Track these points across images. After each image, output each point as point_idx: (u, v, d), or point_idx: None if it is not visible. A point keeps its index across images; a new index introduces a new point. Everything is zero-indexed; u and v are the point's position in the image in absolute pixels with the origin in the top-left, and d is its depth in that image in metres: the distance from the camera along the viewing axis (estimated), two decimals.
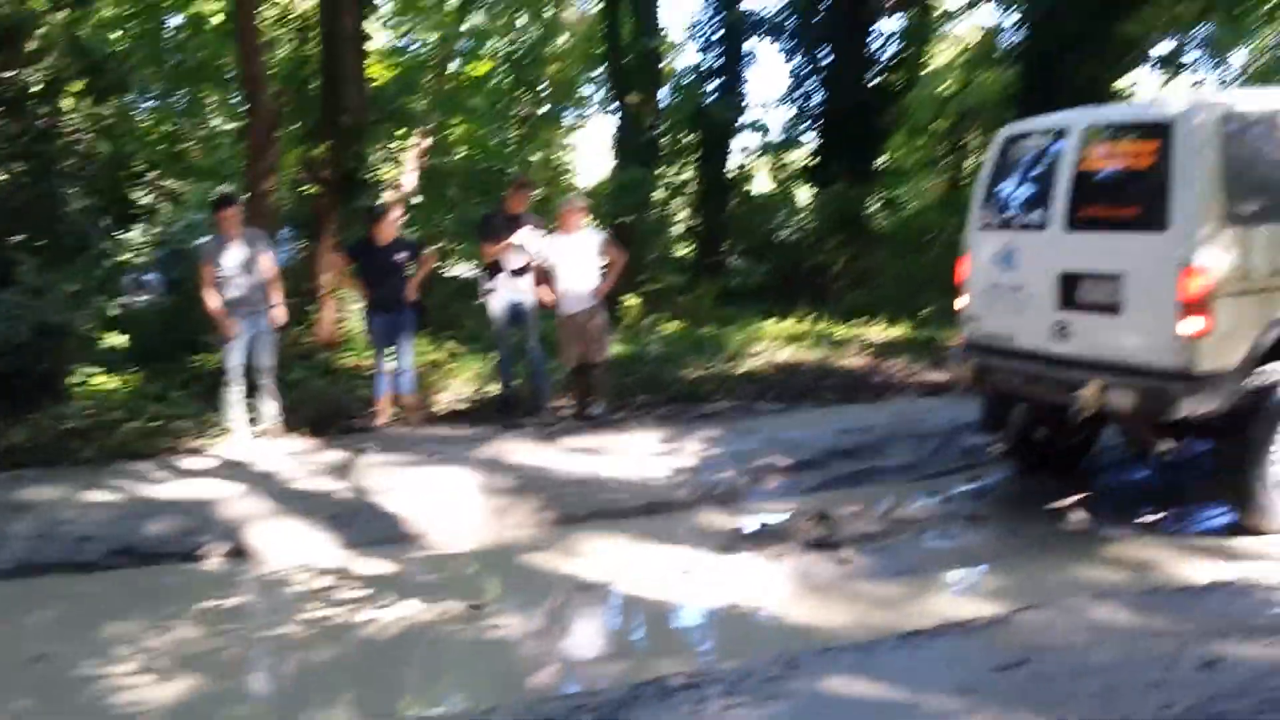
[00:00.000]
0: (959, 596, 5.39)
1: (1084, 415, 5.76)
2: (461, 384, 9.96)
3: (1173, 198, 5.41)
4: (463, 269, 16.49)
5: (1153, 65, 18.89)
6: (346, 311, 11.38)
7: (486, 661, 4.86)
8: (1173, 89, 18.74)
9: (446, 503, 6.81)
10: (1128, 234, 5.71)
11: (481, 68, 19.44)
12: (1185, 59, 19.11)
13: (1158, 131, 5.61)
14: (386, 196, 14.22)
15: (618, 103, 17.64)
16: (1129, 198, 5.80)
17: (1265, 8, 17.81)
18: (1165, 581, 5.06)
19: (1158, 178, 5.52)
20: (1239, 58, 20.96)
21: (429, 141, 17.11)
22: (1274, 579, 4.83)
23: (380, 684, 4.64)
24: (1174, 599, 4.71)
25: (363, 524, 6.52)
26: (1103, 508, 6.08)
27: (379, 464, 7.56)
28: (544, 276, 8.77)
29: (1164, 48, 18.32)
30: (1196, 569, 5.15)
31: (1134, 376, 5.57)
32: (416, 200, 16.44)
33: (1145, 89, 19.29)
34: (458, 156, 18.84)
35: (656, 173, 17.23)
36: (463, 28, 18.23)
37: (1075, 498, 6.05)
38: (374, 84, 14.69)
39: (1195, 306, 5.32)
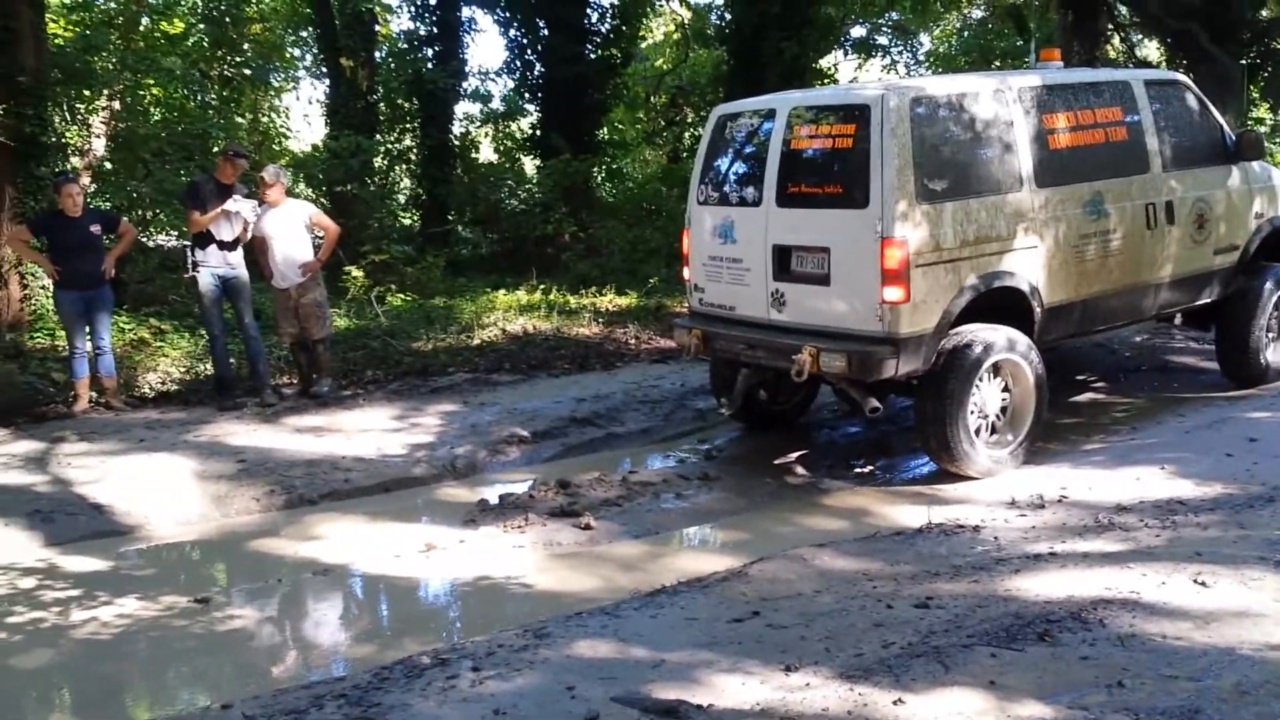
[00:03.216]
0: (696, 553, 5.63)
1: (801, 378, 6.13)
2: (170, 364, 9.28)
3: (871, 176, 5.82)
4: (165, 239, 15.35)
5: (849, 48, 20.33)
6: (33, 288, 10.30)
7: (219, 656, 4.60)
8: (868, 71, 20.25)
9: (161, 491, 6.36)
10: (833, 210, 6.10)
11: (176, 26, 18.05)
12: (879, 41, 20.71)
13: (856, 114, 6.01)
14: (74, 163, 12.96)
15: (330, 66, 16.92)
16: (832, 176, 6.21)
17: None
18: (880, 527, 5.49)
19: (858, 157, 5.93)
20: (926, 42, 22.94)
21: (118, 104, 15.72)
22: (976, 520, 5.34)
23: (102, 688, 4.31)
24: (889, 543, 5.12)
25: (67, 519, 5.98)
26: (822, 462, 6.52)
27: (81, 453, 6.93)
28: (258, 249, 8.34)
29: (859, 32, 19.76)
30: (908, 514, 5.63)
31: (843, 341, 5.99)
32: (108, 166, 15.08)
33: (845, 71, 20.74)
34: (154, 120, 17.42)
35: (376, 140, 16.68)
36: None
37: (797, 454, 6.45)
38: (55, 42, 13.31)
39: (894, 277, 5.77)
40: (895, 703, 3.40)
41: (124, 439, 7.29)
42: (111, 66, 15.30)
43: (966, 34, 22.70)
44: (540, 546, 5.55)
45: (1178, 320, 7.84)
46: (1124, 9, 16.52)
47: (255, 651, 4.61)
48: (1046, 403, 6.32)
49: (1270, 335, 7.56)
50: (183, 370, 9.17)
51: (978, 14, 22.12)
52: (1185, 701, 3.29)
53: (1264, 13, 14.92)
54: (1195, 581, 4.20)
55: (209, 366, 8.87)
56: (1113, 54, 17.31)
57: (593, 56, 17.44)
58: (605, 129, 18.88)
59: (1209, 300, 7.41)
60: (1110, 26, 17.40)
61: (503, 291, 12.65)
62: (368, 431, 7.54)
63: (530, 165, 18.58)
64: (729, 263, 6.66)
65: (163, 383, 8.89)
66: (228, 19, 18.16)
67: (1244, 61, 14.03)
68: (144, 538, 5.97)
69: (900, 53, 21.63)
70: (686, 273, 7.05)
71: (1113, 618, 3.94)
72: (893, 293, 5.79)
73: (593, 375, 9.11)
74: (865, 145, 5.88)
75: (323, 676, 4.28)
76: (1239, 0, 13.12)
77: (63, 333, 8.71)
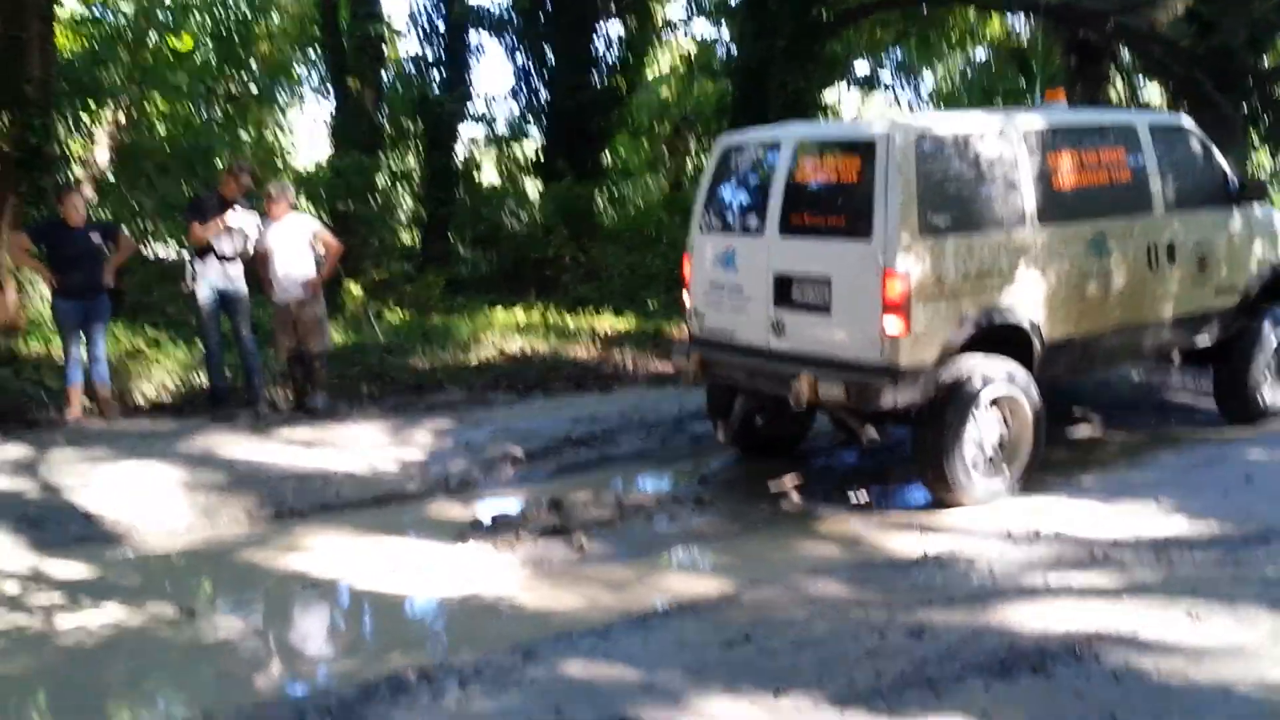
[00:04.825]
0: (688, 577, 5.59)
1: (799, 406, 6.12)
2: (165, 375, 9.25)
3: (875, 209, 5.83)
4: (165, 251, 15.39)
5: (854, 83, 20.49)
6: (29, 294, 10.29)
7: (203, 667, 4.53)
8: (871, 106, 20.40)
9: (151, 500, 6.32)
10: (835, 240, 6.11)
11: (185, 43, 18.19)
12: (883, 79, 20.89)
13: (862, 149, 6.05)
14: (78, 174, 13.01)
15: (336, 86, 17.04)
16: (836, 208, 6.23)
17: (953, 35, 19.74)
18: (875, 556, 5.45)
19: (862, 190, 5.95)
20: (930, 80, 23.13)
21: (124, 118, 15.83)
22: (971, 551, 5.31)
23: (85, 695, 4.25)
24: (883, 572, 5.09)
25: (56, 524, 5.94)
26: (817, 489, 6.48)
27: (72, 459, 6.89)
28: (258, 264, 8.36)
29: (864, 68, 19.94)
30: (902, 543, 5.58)
31: (842, 371, 5.98)
32: (111, 178, 15.16)
33: (848, 105, 20.88)
34: (159, 135, 17.52)
35: (379, 159, 16.77)
36: None
37: (792, 481, 6.41)
38: (64, 54, 13.42)
39: (895, 308, 5.77)
40: None
41: (115, 447, 7.26)
42: (118, 80, 15.43)
43: (970, 73, 22.87)
44: (531, 565, 5.50)
45: (1176, 359, 7.83)
46: (1128, 54, 16.66)
47: (239, 663, 4.55)
48: (1044, 436, 6.30)
49: (1268, 375, 7.56)
50: (177, 381, 9.14)
51: (982, 54, 22.30)
52: None
53: (1266, 62, 15.06)
54: (1190, 618, 4.17)
55: (204, 377, 8.84)
56: (1115, 98, 17.45)
57: (599, 85, 17.56)
58: (609, 155, 18.98)
59: (1208, 340, 7.41)
60: (1114, 70, 17.56)
61: (501, 311, 12.64)
62: (361, 446, 7.50)
63: (533, 188, 18.67)
64: (730, 290, 6.66)
65: (157, 393, 8.86)
66: (236, 37, 18.32)
67: (1245, 108, 14.16)
68: (132, 546, 5.92)
69: (904, 89, 21.80)
70: (687, 298, 7.05)
71: (1107, 652, 3.91)
72: (893, 324, 5.79)
73: (589, 396, 9.09)
74: (870, 179, 5.90)
75: (307, 690, 4.23)
76: (1241, 48, 13.22)
77: (58, 339, 8.69)
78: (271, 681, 4.43)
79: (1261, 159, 17.55)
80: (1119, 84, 18.86)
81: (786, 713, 3.52)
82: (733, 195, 6.90)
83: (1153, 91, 18.81)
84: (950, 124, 6.32)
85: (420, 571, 5.46)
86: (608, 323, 12.20)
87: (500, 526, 6.00)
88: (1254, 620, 4.12)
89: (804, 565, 5.27)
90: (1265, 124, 15.57)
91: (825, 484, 6.68)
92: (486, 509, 6.42)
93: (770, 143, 6.66)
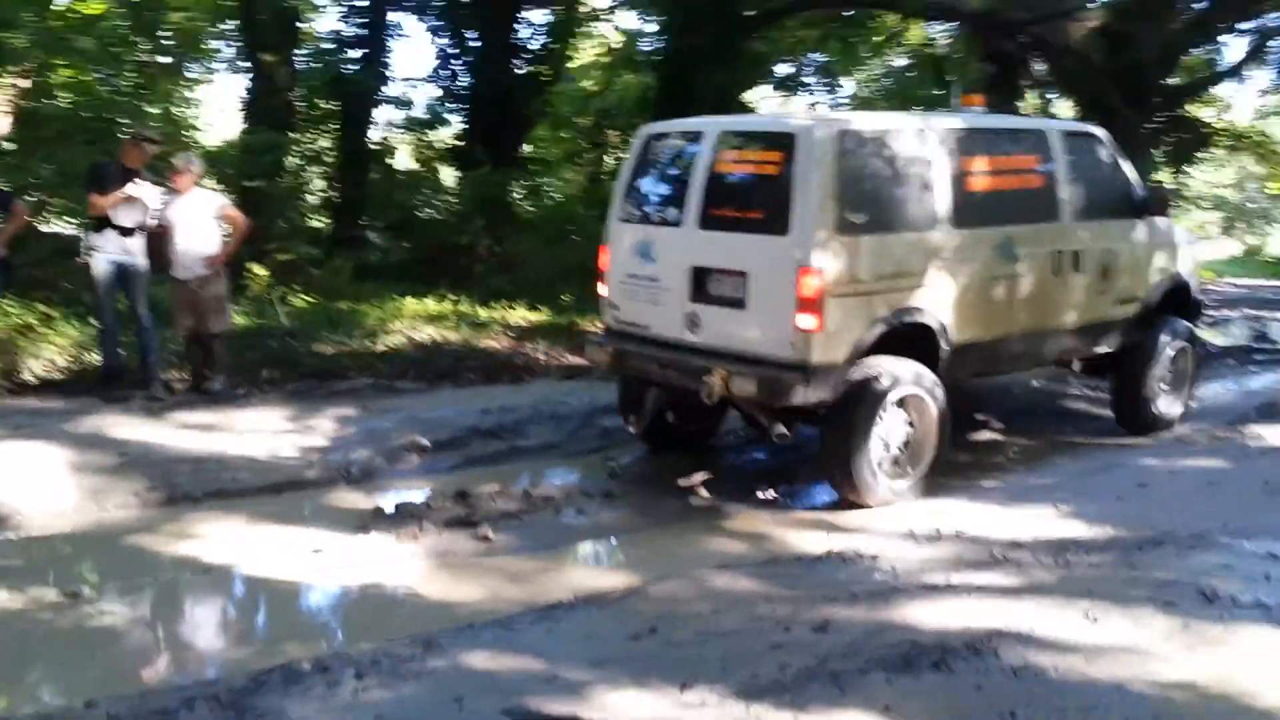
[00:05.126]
0: (595, 570, 5.54)
1: (711, 400, 6.10)
2: (55, 352, 8.84)
3: (794, 204, 5.84)
4: (62, 226, 14.76)
5: (775, 85, 20.68)
6: None
7: (87, 653, 4.33)
8: (792, 108, 20.61)
9: (36, 481, 6.02)
10: (753, 235, 6.10)
11: (94, 7, 17.47)
12: (805, 80, 21.15)
13: (783, 142, 6.04)
14: None
15: (250, 61, 16.55)
16: (755, 202, 6.24)
17: (873, 40, 20.06)
18: (781, 552, 5.46)
19: (781, 185, 5.95)
20: (850, 84, 23.45)
21: (28, 82, 15.13)
22: (874, 549, 5.33)
23: None
24: (789, 568, 5.09)
25: None
26: (726, 486, 6.48)
27: None
28: (159, 238, 8.04)
29: (786, 68, 20.14)
30: (808, 540, 5.60)
31: (755, 366, 5.98)
32: (10, 147, 14.47)
33: (768, 104, 21.05)
34: (62, 102, 16.79)
35: (291, 138, 16.34)
36: None
37: (701, 476, 6.39)
38: None
39: (810, 305, 5.78)
40: None
41: (0, 426, 6.92)
42: (23, 43, 14.75)
43: (889, 79, 23.24)
44: (434, 556, 5.39)
45: (1076, 366, 8.03)
46: (1041, 67, 17.11)
47: (125, 650, 4.37)
48: (948, 438, 6.39)
49: (1163, 386, 7.79)
50: (69, 359, 8.73)
51: (900, 61, 22.67)
52: None
53: (1173, 80, 15.60)
54: (1086, 618, 4.25)
55: (97, 356, 8.47)
56: (1025, 110, 17.92)
57: (520, 72, 17.36)
58: (528, 145, 18.79)
59: (1108, 349, 7.60)
60: (1028, 82, 18.03)
61: (411, 299, 12.40)
62: (260, 432, 7.25)
63: (449, 175, 18.39)
64: (646, 281, 6.61)
65: (47, 370, 8.46)
66: (147, 6, 17.66)
67: (1151, 125, 14.65)
68: (13, 528, 5.64)
69: (824, 92, 22.07)
70: (603, 289, 6.98)
71: (1006, 649, 3.96)
72: (806, 320, 5.80)
73: (500, 388, 8.95)
74: (789, 174, 5.90)
75: (196, 679, 4.06)
76: (1152, 65, 13.66)
77: None
78: (159, 669, 4.26)
79: (1163, 175, 18.19)
80: (1031, 96, 19.39)
81: (692, 706, 3.49)
82: (653, 185, 6.86)
83: (1064, 106, 19.35)
84: (870, 122, 6.38)
85: (318, 561, 5.30)
86: (521, 315, 12.06)
87: (403, 516, 5.86)
88: (1148, 621, 4.22)
89: (711, 560, 5.25)
90: (1169, 141, 16.17)
91: (734, 481, 6.68)
92: (389, 499, 6.27)
93: (692, 132, 6.63)
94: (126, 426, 7.10)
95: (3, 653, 4.30)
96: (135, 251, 8.02)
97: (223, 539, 5.56)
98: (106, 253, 7.91)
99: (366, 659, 3.96)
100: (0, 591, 4.75)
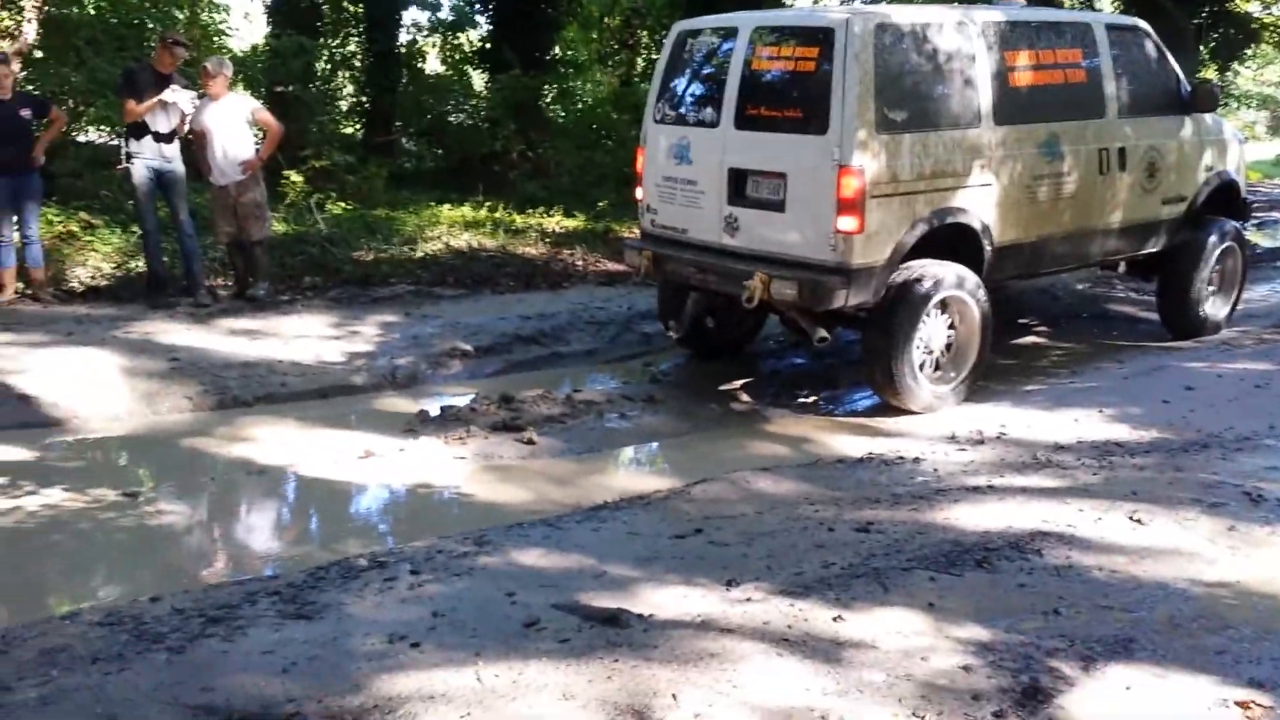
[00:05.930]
0: (639, 472, 5.61)
1: (751, 305, 6.08)
2: (100, 259, 8.94)
3: (832, 102, 5.71)
4: (95, 135, 14.74)
5: None
6: None
7: (148, 551, 4.48)
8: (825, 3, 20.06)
9: (90, 385, 6.15)
10: (791, 135, 5.99)
11: None
12: None
13: (820, 37, 5.88)
14: (3, 47, 12.31)
15: None
16: (792, 100, 6.09)
17: None
18: (823, 455, 5.51)
19: (819, 82, 5.81)
20: None
21: None
22: (917, 452, 5.37)
23: (25, 577, 4.18)
24: (831, 471, 5.13)
25: None
26: (767, 390, 6.51)
27: (7, 343, 6.67)
28: (195, 144, 8.04)
29: None
30: (849, 444, 5.64)
31: (795, 270, 5.93)
32: (39, 55, 14.37)
33: (804, 3, 20.48)
34: (89, 7, 16.62)
35: (319, 42, 16.11)
36: None
37: (742, 381, 6.42)
38: None
39: (850, 206, 5.70)
40: (835, 619, 3.42)
41: (52, 331, 7.04)
42: None
43: None
44: (481, 459, 5.48)
45: (1121, 268, 7.93)
46: None
47: (185, 548, 4.51)
48: (990, 342, 6.36)
49: (1210, 289, 7.69)
50: (114, 266, 8.84)
51: None
52: (1120, 631, 3.36)
53: None
54: (1131, 519, 4.27)
55: (141, 263, 8.56)
56: (1067, 5, 17.34)
57: None
58: (558, 47, 18.43)
59: (1154, 250, 7.49)
60: None
61: (447, 207, 12.36)
62: (305, 338, 7.35)
63: (479, 80, 18.11)
64: (683, 184, 6.54)
65: (93, 277, 8.57)
66: None
67: (1196, 21, 14.15)
68: (71, 430, 5.79)
69: None
70: (639, 193, 6.92)
71: (1050, 549, 3.99)
72: (847, 222, 5.73)
73: (539, 294, 8.98)
74: (828, 70, 5.78)
75: (255, 574, 4.19)
76: None
77: None
78: (219, 566, 4.39)
79: (1209, 73, 17.64)
80: None
81: (738, 602, 3.56)
82: (688, 85, 6.74)
83: (1105, 3, 18.72)
84: (909, 14, 6.21)
85: (368, 463, 5.41)
86: (557, 221, 12.01)
87: (450, 420, 5.95)
88: (1193, 523, 4.23)
89: (753, 463, 5.30)
90: (1215, 37, 15.62)
91: (774, 386, 6.70)
92: (435, 403, 6.36)
93: (726, 29, 6.47)
94: (174, 332, 7.22)
95: (66, 550, 4.45)
96: (173, 157, 8.04)
97: (274, 442, 5.68)
98: (145, 159, 7.93)
99: (421, 555, 4.06)
100: (62, 491, 4.89)
